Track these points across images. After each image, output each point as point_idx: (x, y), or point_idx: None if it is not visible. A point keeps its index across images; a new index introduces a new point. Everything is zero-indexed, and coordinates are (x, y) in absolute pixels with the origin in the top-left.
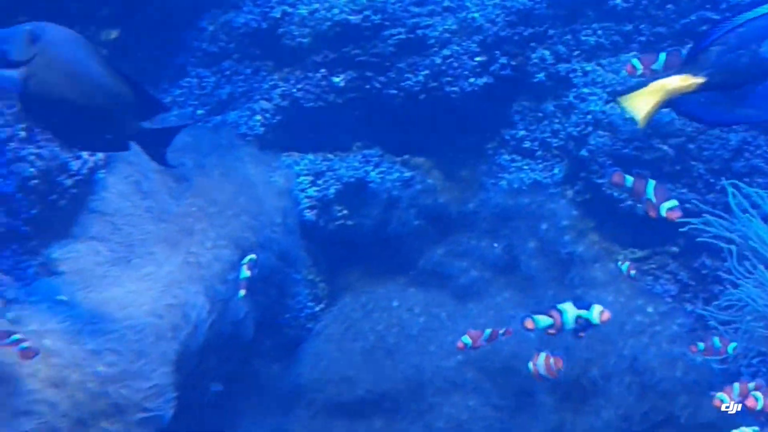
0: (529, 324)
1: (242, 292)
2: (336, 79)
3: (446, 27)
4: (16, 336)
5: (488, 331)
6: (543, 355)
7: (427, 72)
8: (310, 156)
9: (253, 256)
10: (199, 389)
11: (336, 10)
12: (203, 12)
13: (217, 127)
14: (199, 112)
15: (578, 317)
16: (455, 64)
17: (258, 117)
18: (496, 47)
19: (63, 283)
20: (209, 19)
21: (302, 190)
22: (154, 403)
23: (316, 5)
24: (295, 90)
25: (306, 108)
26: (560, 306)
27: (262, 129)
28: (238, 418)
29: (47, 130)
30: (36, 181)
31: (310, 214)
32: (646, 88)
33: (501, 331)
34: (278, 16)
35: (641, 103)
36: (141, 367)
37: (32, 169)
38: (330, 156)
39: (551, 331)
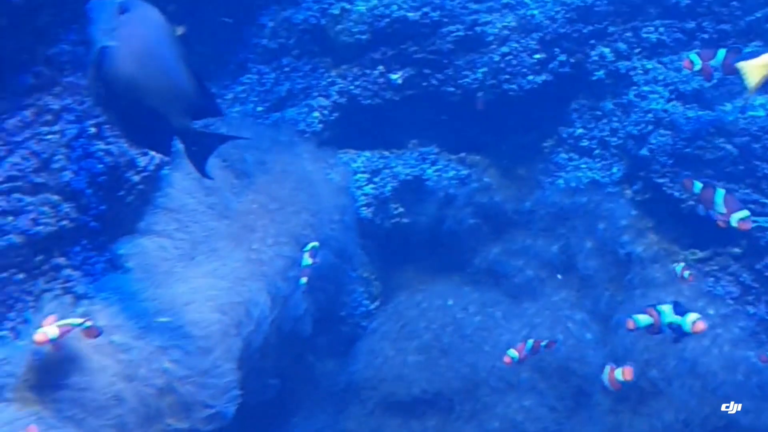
0: (630, 324)
1: (304, 280)
2: (394, 76)
3: (505, 24)
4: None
5: (530, 342)
6: (612, 368)
7: (485, 69)
8: (367, 153)
9: (315, 243)
10: (257, 386)
11: (394, 7)
12: (264, 8)
13: (276, 124)
14: (259, 108)
15: (670, 323)
16: (514, 62)
17: (316, 114)
18: (555, 44)
19: (130, 279)
20: (270, 15)
21: (359, 188)
22: (218, 401)
23: (375, 2)
24: (352, 87)
25: (363, 105)
26: (659, 307)
27: (320, 126)
28: (292, 414)
29: (108, 103)
30: (105, 177)
31: (366, 212)
32: (761, 58)
33: (543, 343)
34: (337, 12)
35: (755, 71)
36: (206, 365)
37: (101, 165)
38: (386, 153)
39: (650, 330)
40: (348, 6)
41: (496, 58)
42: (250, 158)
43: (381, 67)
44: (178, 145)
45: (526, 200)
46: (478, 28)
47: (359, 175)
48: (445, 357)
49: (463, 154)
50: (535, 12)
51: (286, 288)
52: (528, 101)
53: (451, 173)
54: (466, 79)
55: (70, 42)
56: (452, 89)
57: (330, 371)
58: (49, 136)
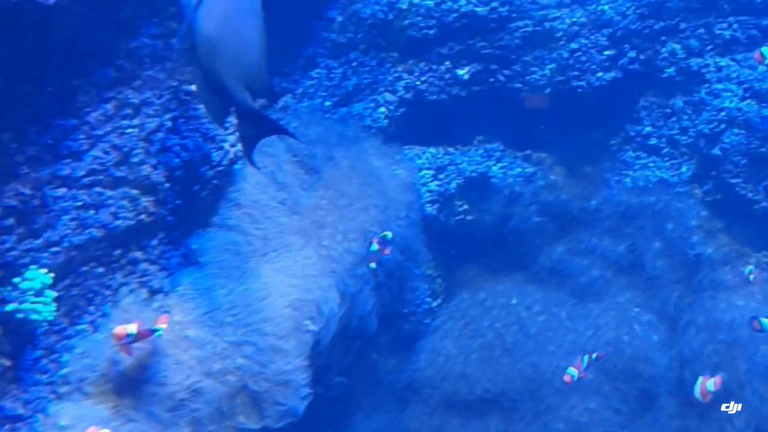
0: (756, 325)
1: (372, 265)
2: (460, 72)
3: (575, 20)
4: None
5: (585, 358)
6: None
7: (553, 66)
8: (432, 149)
9: (388, 233)
10: (324, 383)
11: (463, 2)
12: (333, 3)
13: (343, 119)
14: (327, 103)
15: None
16: (583, 58)
17: (382, 109)
18: (626, 41)
19: (204, 274)
20: (339, 9)
21: (424, 184)
22: (289, 398)
23: None
24: (419, 82)
25: (429, 101)
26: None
27: (386, 121)
28: (354, 411)
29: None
30: (181, 172)
31: (431, 209)
32: None
33: (594, 356)
34: (405, 7)
35: None
36: (278, 362)
37: (178, 160)
38: (451, 150)
39: None
40: (416, 0)
41: (565, 55)
42: (319, 153)
43: (448, 63)
44: None
45: (592, 199)
46: (547, 24)
47: (424, 172)
48: (508, 356)
49: (528, 152)
50: (606, 8)
51: (354, 285)
52: (596, 98)
53: (517, 170)
54: (534, 76)
55: (150, 36)
56: (519, 85)
57: (392, 369)
58: (129, 130)
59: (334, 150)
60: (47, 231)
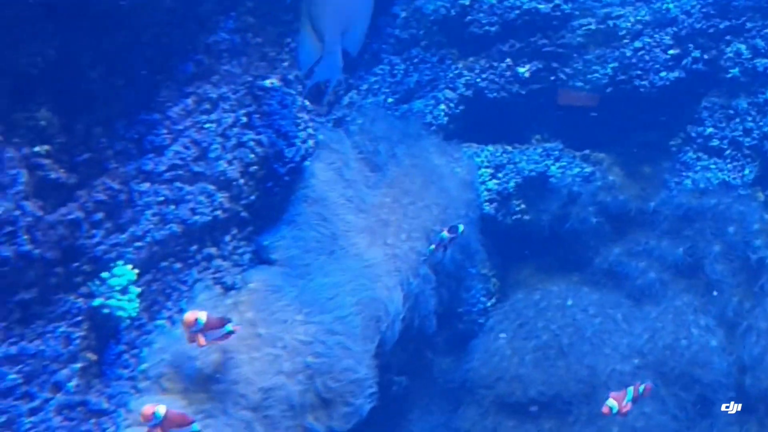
0: None
1: (432, 247)
2: (521, 70)
3: (639, 18)
4: (229, 327)
5: (630, 390)
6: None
7: (615, 65)
8: (490, 148)
9: (461, 225)
10: (385, 383)
11: None
12: None
13: (405, 116)
14: (390, 100)
15: None
16: (646, 57)
17: (442, 106)
18: (690, 40)
19: (275, 271)
20: (402, 5)
21: (482, 183)
22: (357, 398)
23: None
24: (479, 79)
25: (489, 98)
26: None
27: (446, 119)
28: (409, 410)
29: None
30: (255, 167)
31: (489, 208)
32: None
33: (641, 388)
34: (467, 3)
35: None
36: (347, 361)
37: (252, 156)
38: (509, 148)
39: None
40: None
41: (628, 53)
42: (383, 151)
43: (509, 60)
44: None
45: (651, 200)
46: (610, 22)
47: (483, 170)
48: (563, 358)
49: (587, 151)
50: (671, 6)
51: (417, 284)
52: (657, 98)
53: (576, 170)
54: (596, 74)
55: (227, 30)
56: (581, 84)
57: (446, 368)
58: (207, 125)
59: (396, 147)
60: (132, 226)
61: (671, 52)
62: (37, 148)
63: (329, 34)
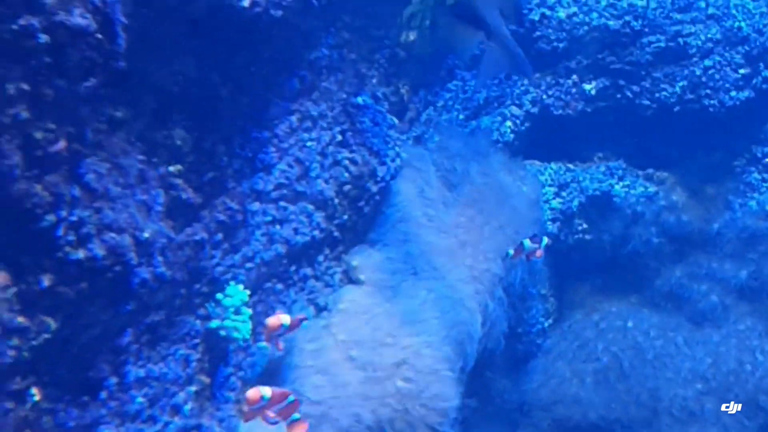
0: None
1: (511, 251)
2: (587, 87)
3: (710, 36)
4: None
5: None
6: None
7: (684, 83)
8: (553, 165)
9: (546, 238)
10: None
11: (595, 15)
12: None
13: (474, 133)
14: (461, 116)
15: None
16: (716, 76)
17: (508, 123)
18: (761, 59)
19: (364, 292)
20: None
21: (546, 201)
22: (443, 426)
23: (575, 8)
24: (545, 96)
25: (554, 115)
26: None
27: (512, 135)
28: (467, 430)
29: None
30: (349, 186)
31: (552, 227)
32: None
33: None
34: (536, 18)
35: None
36: (436, 386)
37: (347, 174)
38: (571, 166)
39: None
40: (548, 12)
41: (698, 72)
42: (459, 169)
43: (575, 77)
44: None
45: (715, 221)
46: (680, 40)
47: (547, 188)
48: (624, 381)
49: (650, 170)
50: (743, 24)
51: (493, 306)
52: (724, 118)
53: (639, 190)
54: (664, 93)
55: (328, 46)
56: (647, 102)
57: (504, 388)
58: (309, 144)
59: (469, 165)
60: (244, 246)
61: (742, 71)
62: (171, 168)
63: (489, 18)
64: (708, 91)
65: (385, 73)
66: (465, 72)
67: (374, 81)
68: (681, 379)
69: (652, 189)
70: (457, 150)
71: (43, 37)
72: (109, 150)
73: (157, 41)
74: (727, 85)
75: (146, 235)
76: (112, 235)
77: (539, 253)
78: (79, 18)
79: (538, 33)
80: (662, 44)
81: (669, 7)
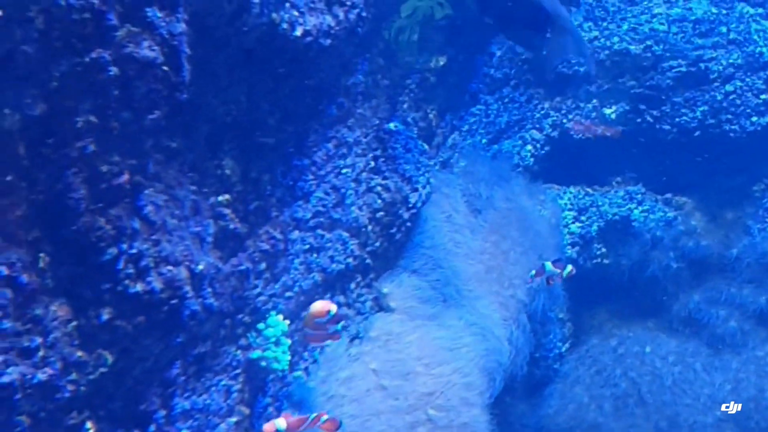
0: None
1: (533, 272)
2: (607, 111)
3: (731, 61)
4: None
5: None
6: None
7: (705, 108)
8: (572, 189)
9: (570, 266)
10: None
11: (616, 39)
12: (495, 36)
13: (496, 157)
14: (483, 141)
15: None
16: (737, 101)
17: (529, 147)
18: None
19: (394, 320)
20: (499, 44)
21: (565, 225)
22: None
23: (596, 32)
24: (565, 120)
25: (574, 140)
26: None
27: (532, 159)
28: None
29: None
30: (382, 213)
31: (571, 251)
32: None
33: None
34: None
35: None
36: (466, 414)
37: (380, 201)
38: (589, 190)
39: None
40: None
41: (719, 97)
42: (484, 193)
43: (595, 101)
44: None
45: (733, 247)
46: (701, 65)
47: (566, 213)
48: (642, 407)
49: (668, 195)
50: (764, 50)
51: (518, 334)
52: (744, 143)
53: (658, 215)
54: (684, 117)
55: (364, 72)
56: (668, 127)
57: (522, 413)
58: (344, 171)
59: (493, 190)
60: (284, 275)
61: (763, 96)
62: (220, 198)
63: (548, 5)
64: (729, 116)
65: (415, 98)
66: (488, 96)
67: (405, 106)
68: (700, 406)
69: (671, 214)
70: (482, 175)
71: (113, 70)
72: (165, 181)
73: (212, 71)
74: (748, 111)
75: (200, 267)
76: (169, 267)
77: (559, 279)
78: (148, 50)
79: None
80: (683, 69)
81: (690, 32)
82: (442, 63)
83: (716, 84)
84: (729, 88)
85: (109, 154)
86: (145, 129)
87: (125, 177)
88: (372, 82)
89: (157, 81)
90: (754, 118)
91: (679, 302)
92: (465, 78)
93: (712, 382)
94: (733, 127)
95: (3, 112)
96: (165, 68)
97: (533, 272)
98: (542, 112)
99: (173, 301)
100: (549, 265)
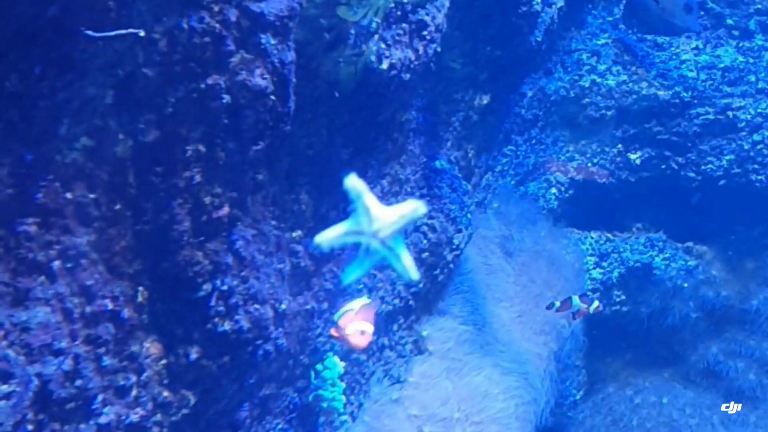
0: None
1: (557, 303)
2: (632, 156)
3: (760, 110)
4: None
5: None
6: None
7: (731, 157)
8: (593, 234)
9: (597, 302)
10: None
11: (644, 84)
12: (527, 76)
13: (523, 198)
14: (512, 182)
15: None
16: (765, 151)
17: (553, 190)
18: None
19: (433, 364)
20: (530, 84)
21: (587, 271)
22: None
23: (625, 77)
24: (590, 164)
25: (597, 184)
26: None
27: (556, 203)
28: None
29: None
30: (426, 254)
31: (591, 297)
32: None
33: None
34: (586, 85)
35: None
36: None
37: (425, 242)
38: (610, 236)
39: None
40: (598, 79)
41: (746, 146)
42: (515, 235)
43: (620, 146)
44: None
45: (753, 298)
46: (730, 113)
47: (588, 258)
48: None
49: (689, 244)
50: None
51: (548, 383)
52: (766, 193)
53: (680, 263)
54: (710, 165)
55: (417, 108)
56: (693, 174)
57: None
58: None
59: (522, 232)
60: None
61: None
62: (294, 234)
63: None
64: (756, 166)
65: (458, 136)
66: (518, 136)
67: (449, 144)
68: None
69: (692, 263)
70: (514, 217)
71: (226, 98)
72: (252, 215)
73: (300, 102)
74: None
75: (283, 306)
76: (257, 306)
77: (585, 314)
78: (260, 78)
79: (587, 100)
80: (711, 116)
81: (719, 79)
82: (485, 102)
83: (743, 133)
84: (757, 137)
85: (211, 185)
86: (248, 160)
87: (225, 210)
88: (422, 118)
89: (266, 111)
90: None
91: (697, 353)
92: (501, 117)
93: None
94: (759, 177)
95: (117, 138)
96: (273, 98)
97: (557, 303)
98: (567, 154)
99: (258, 342)
100: (576, 299)
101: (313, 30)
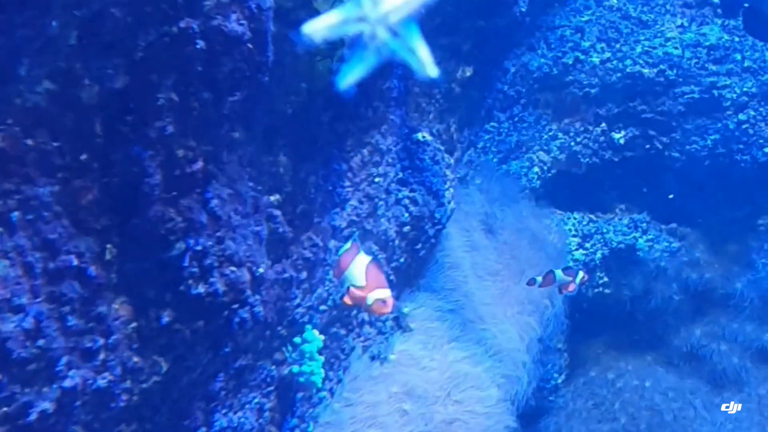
0: None
1: (538, 278)
2: (616, 136)
3: (745, 89)
4: None
5: None
6: None
7: (716, 137)
8: (576, 215)
9: (583, 275)
10: None
11: (629, 62)
12: (509, 51)
13: (505, 176)
14: (495, 159)
15: None
16: (750, 131)
17: (536, 169)
18: None
19: (415, 341)
20: (513, 60)
21: (569, 252)
22: None
23: (609, 54)
24: (573, 143)
25: (581, 163)
26: None
27: (538, 182)
28: None
29: None
30: (408, 228)
31: (576, 268)
32: None
33: None
34: (570, 62)
35: None
36: None
37: (407, 215)
38: (592, 217)
39: None
40: (582, 56)
41: (731, 126)
42: (498, 213)
43: (604, 125)
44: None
45: (737, 281)
46: (715, 92)
47: (571, 239)
48: None
49: (673, 225)
50: None
51: (532, 364)
52: (753, 174)
53: (663, 245)
54: (695, 146)
55: (397, 76)
56: (677, 155)
57: None
58: (377, 179)
59: (504, 210)
60: (320, 286)
61: None
62: (272, 198)
63: None
64: (741, 145)
65: (440, 108)
66: (501, 113)
67: (431, 117)
68: None
69: (675, 244)
70: (496, 194)
71: (200, 43)
72: (228, 174)
73: (280, 57)
74: (761, 141)
75: (261, 270)
76: (233, 268)
77: (572, 287)
78: (236, 24)
79: (570, 77)
80: (696, 95)
81: (704, 57)
82: (468, 74)
83: (729, 112)
84: (742, 117)
85: (185, 137)
86: (224, 113)
87: (200, 164)
88: (404, 87)
89: (242, 59)
90: (767, 149)
91: (680, 336)
92: (484, 92)
93: (712, 420)
94: (744, 157)
95: (82, 83)
96: (250, 45)
97: (539, 278)
98: (550, 133)
99: (234, 306)
100: (559, 273)
101: None
